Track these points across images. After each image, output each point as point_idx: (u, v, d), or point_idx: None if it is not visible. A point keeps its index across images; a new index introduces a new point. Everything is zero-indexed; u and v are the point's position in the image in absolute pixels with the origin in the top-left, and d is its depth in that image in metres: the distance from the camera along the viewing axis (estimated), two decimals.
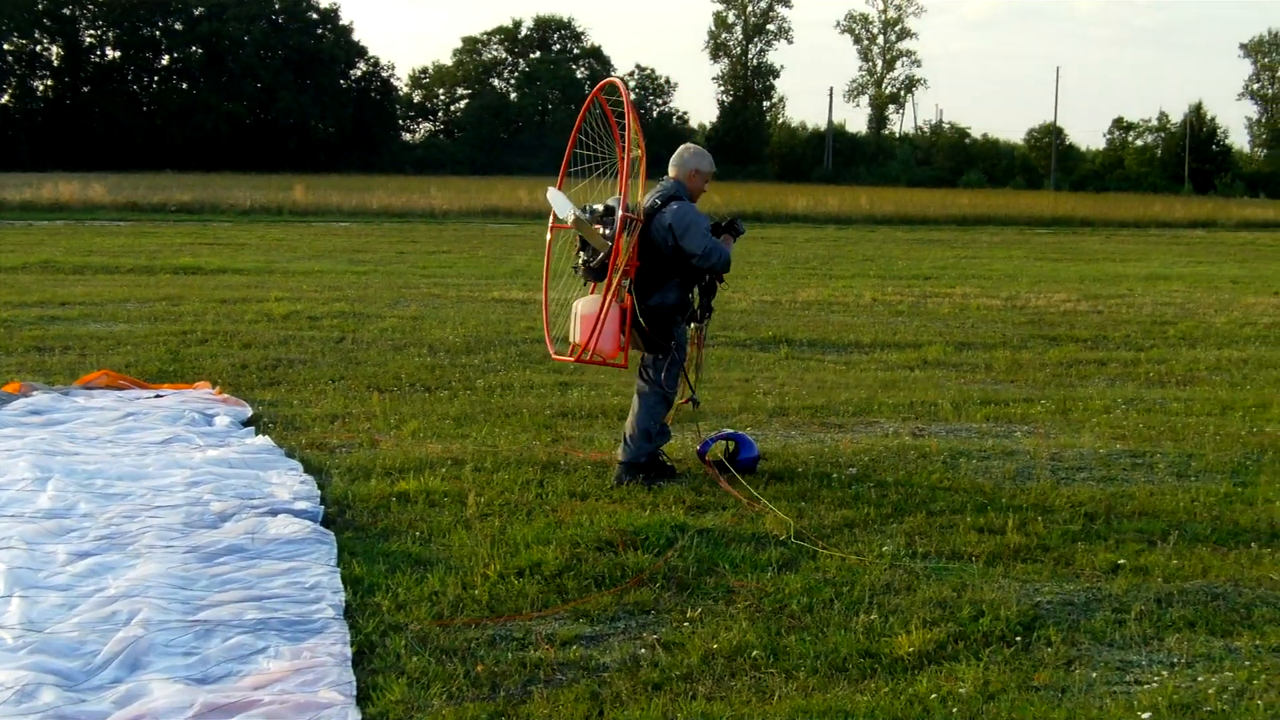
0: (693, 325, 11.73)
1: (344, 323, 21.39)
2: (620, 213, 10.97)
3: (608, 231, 11.08)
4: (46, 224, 46.71)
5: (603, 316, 11.00)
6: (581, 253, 11.40)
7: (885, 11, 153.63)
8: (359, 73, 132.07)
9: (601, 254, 11.14)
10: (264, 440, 12.67)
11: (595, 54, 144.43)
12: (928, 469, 12.10)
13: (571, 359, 11.52)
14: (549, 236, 12.23)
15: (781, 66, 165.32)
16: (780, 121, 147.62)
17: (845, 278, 32.90)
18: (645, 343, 11.41)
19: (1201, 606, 8.49)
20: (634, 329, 11.30)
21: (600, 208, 11.28)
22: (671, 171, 11.68)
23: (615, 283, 11.02)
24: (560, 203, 11.37)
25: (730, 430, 12.34)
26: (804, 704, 6.96)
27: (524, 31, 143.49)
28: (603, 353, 11.18)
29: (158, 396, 14.69)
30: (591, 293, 11.53)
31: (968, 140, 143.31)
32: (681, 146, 11.86)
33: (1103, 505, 10.88)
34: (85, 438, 12.68)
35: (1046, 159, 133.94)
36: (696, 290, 11.63)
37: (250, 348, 18.59)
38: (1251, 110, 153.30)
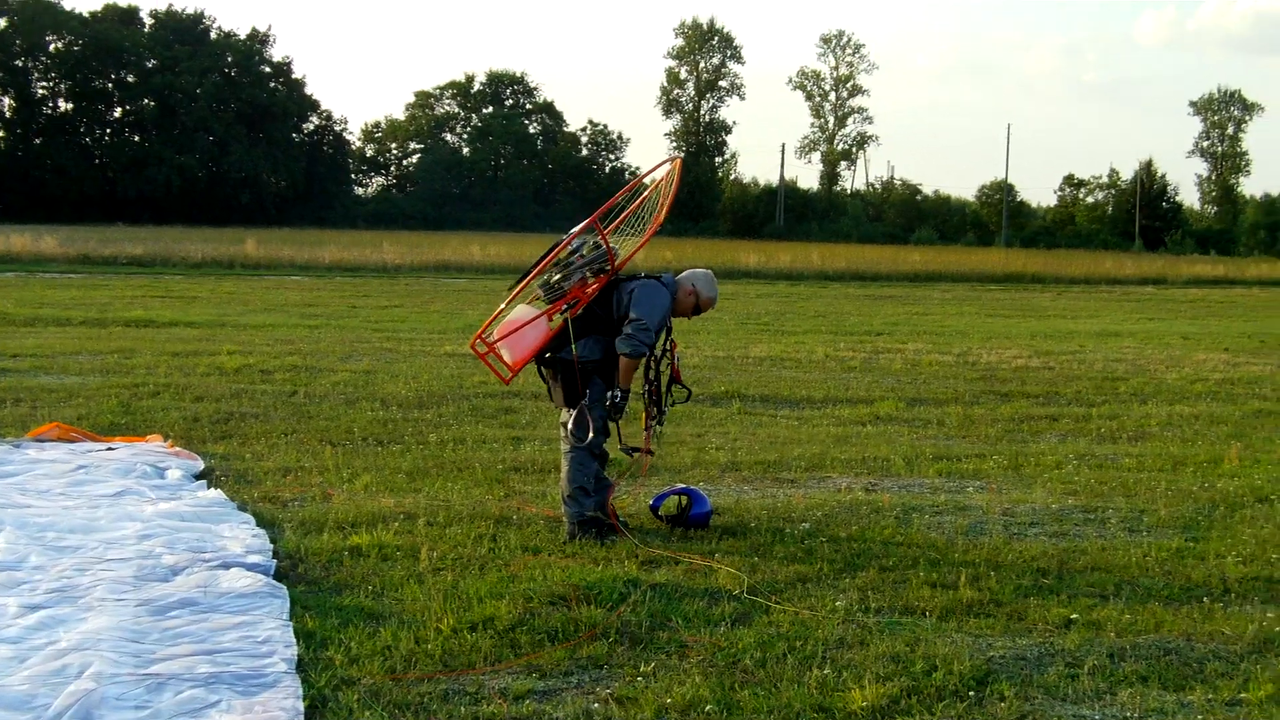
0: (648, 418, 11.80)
1: (296, 376, 21.35)
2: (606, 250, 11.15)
3: (583, 252, 11.26)
4: None
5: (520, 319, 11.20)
6: (556, 272, 11.44)
7: (837, 69, 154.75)
8: (311, 126, 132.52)
9: (570, 279, 11.23)
10: (216, 493, 12.62)
11: (548, 109, 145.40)
12: (880, 524, 12.10)
13: (473, 340, 11.52)
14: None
15: (734, 123, 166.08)
16: (732, 177, 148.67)
17: (797, 334, 33.00)
18: (562, 392, 11.44)
19: (1154, 661, 8.51)
20: (548, 365, 11.42)
21: (593, 242, 11.39)
22: (681, 274, 11.85)
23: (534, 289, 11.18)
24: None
25: (683, 485, 12.32)
26: None
27: (477, 86, 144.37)
28: (510, 353, 11.25)
29: (109, 449, 14.64)
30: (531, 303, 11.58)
31: (919, 197, 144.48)
32: (704, 269, 12.08)
33: (1055, 560, 10.90)
34: (37, 490, 12.61)
35: (998, 215, 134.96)
36: (656, 378, 11.71)
37: (202, 401, 18.53)
38: (1201, 167, 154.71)
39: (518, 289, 11.93)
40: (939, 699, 7.77)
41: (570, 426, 11.37)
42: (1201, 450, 16.52)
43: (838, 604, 9.60)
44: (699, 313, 11.91)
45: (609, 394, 11.34)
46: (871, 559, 10.84)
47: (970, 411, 19.60)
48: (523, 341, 11.23)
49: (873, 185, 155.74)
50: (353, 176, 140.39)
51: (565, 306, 11.25)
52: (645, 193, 11.72)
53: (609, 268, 11.26)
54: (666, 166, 11.94)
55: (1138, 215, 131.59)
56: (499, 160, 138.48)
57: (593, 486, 11.45)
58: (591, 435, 11.31)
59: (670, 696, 7.68)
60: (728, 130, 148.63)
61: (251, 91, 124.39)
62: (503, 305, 11.94)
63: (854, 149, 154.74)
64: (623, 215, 11.57)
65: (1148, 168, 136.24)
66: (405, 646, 8.44)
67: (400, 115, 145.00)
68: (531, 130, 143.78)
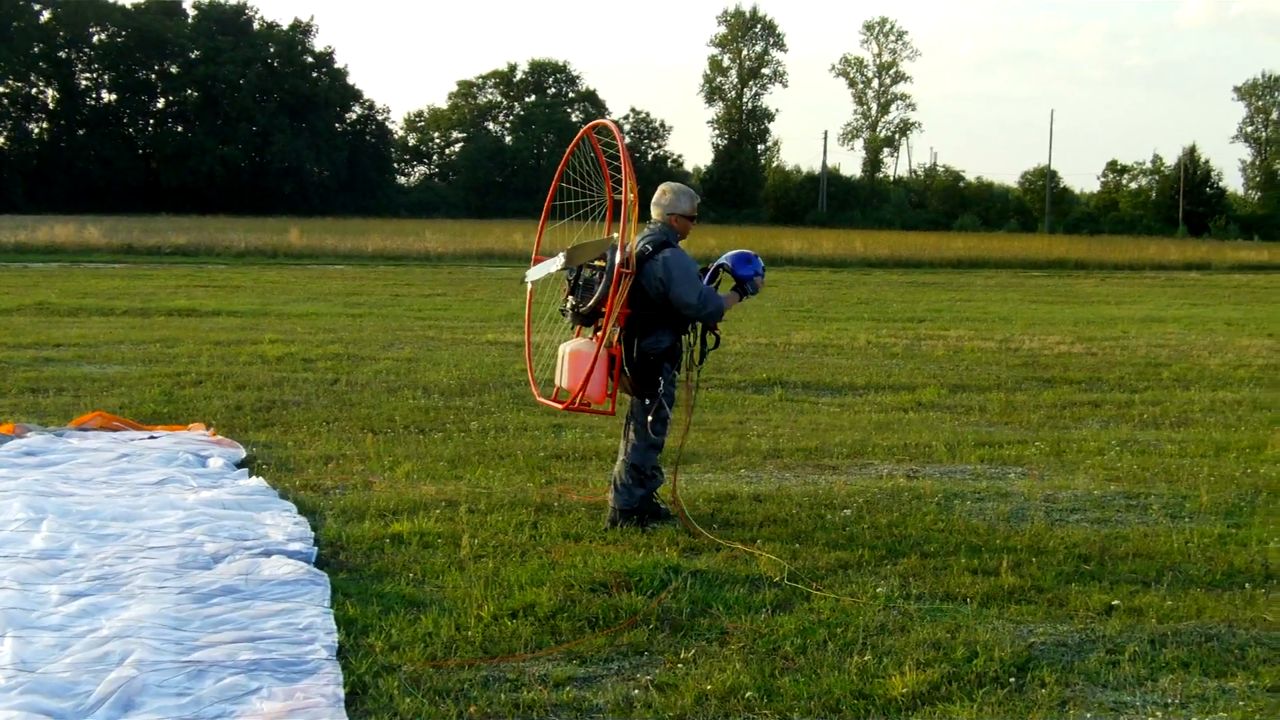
0: (686, 370, 11.66)
1: (338, 365, 21.39)
2: (617, 265, 10.86)
3: (598, 276, 11.07)
4: (41, 266, 46.79)
5: (594, 364, 10.96)
6: (570, 296, 11.34)
7: (880, 55, 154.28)
8: (354, 116, 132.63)
9: (592, 301, 11.08)
10: (258, 481, 12.65)
11: (590, 98, 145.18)
12: (922, 511, 12.09)
13: (560, 406, 11.44)
14: (529, 288, 12.17)
15: (776, 110, 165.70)
16: (775, 165, 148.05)
17: (840, 320, 32.93)
18: (632, 388, 11.35)
19: (1195, 647, 8.49)
20: (621, 374, 11.23)
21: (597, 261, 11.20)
22: (654, 213, 11.55)
23: (606, 330, 10.99)
24: (536, 271, 11.46)
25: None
26: None
27: (519, 75, 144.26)
28: (591, 399, 11.11)
29: (152, 438, 14.67)
30: (576, 335, 11.50)
31: (962, 183, 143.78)
32: (661, 187, 11.65)
33: (1097, 547, 10.87)
34: (79, 479, 12.65)
35: (1041, 202, 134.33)
36: (692, 334, 11.59)
37: (244, 389, 18.58)
38: (1245, 153, 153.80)
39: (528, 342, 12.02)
40: (980, 685, 7.76)
41: (649, 422, 11.32)
42: (1244, 436, 16.45)
43: (879, 590, 9.60)
44: (695, 217, 11.59)
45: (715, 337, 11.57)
46: (913, 545, 10.84)
47: (1012, 398, 19.55)
48: (599, 381, 11.09)
49: (915, 172, 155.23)
50: (395, 166, 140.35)
51: (614, 327, 11.13)
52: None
53: (628, 270, 11.02)
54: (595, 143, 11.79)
55: (1181, 201, 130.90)
56: (542, 149, 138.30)
57: (648, 476, 11.41)
58: (653, 422, 11.30)
59: (710, 683, 7.68)
60: (770, 118, 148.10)
61: (294, 82, 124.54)
62: (529, 345, 12.03)
63: (896, 136, 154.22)
64: (622, 227, 11.34)
65: (1191, 153, 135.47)
66: (446, 633, 8.46)
67: (443, 104, 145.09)
68: (574, 119, 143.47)
